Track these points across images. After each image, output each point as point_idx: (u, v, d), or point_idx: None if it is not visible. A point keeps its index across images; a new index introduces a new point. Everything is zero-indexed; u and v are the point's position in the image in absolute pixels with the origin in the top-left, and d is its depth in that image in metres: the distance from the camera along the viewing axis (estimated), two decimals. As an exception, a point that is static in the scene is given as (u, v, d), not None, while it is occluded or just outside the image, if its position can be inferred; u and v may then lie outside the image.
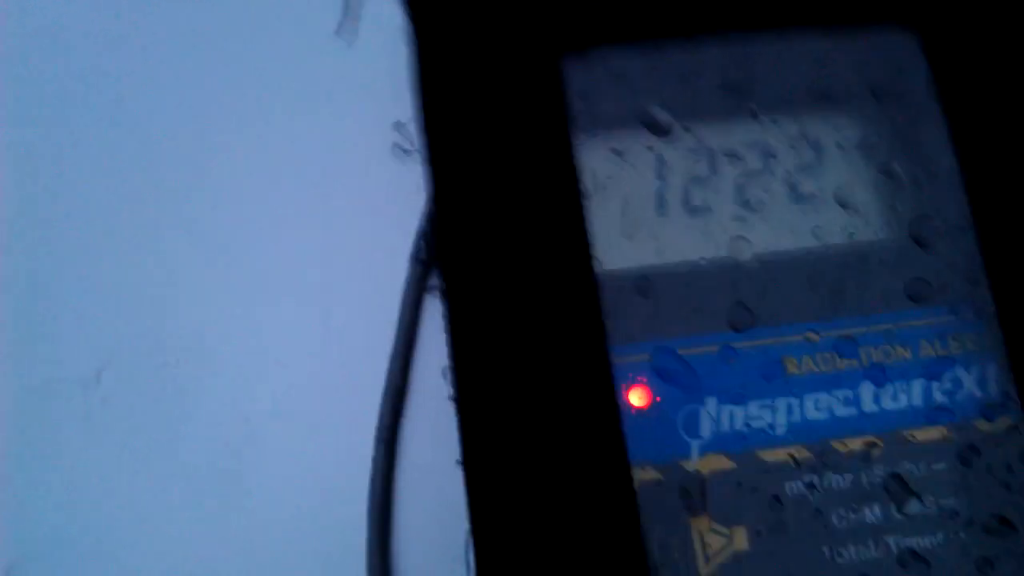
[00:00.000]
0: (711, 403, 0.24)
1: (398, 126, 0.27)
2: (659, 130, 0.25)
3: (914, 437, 0.24)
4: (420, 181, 0.24)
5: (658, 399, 0.24)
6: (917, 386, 0.24)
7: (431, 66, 0.24)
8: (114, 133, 0.34)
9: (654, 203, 0.25)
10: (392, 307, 0.31)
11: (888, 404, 0.24)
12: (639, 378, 0.24)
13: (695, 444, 0.23)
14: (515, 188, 0.24)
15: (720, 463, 0.23)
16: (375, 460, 0.31)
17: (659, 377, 0.24)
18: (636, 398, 0.23)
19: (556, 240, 0.24)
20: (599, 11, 0.25)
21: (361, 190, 0.30)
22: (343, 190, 0.31)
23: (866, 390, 0.24)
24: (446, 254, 0.23)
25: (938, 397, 0.24)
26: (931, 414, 0.24)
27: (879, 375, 0.24)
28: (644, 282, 0.24)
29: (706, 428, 0.24)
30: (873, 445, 0.24)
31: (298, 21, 0.33)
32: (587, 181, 0.24)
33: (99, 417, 0.31)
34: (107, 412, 0.31)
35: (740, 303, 0.24)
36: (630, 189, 0.25)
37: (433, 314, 0.33)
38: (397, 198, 0.28)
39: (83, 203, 0.33)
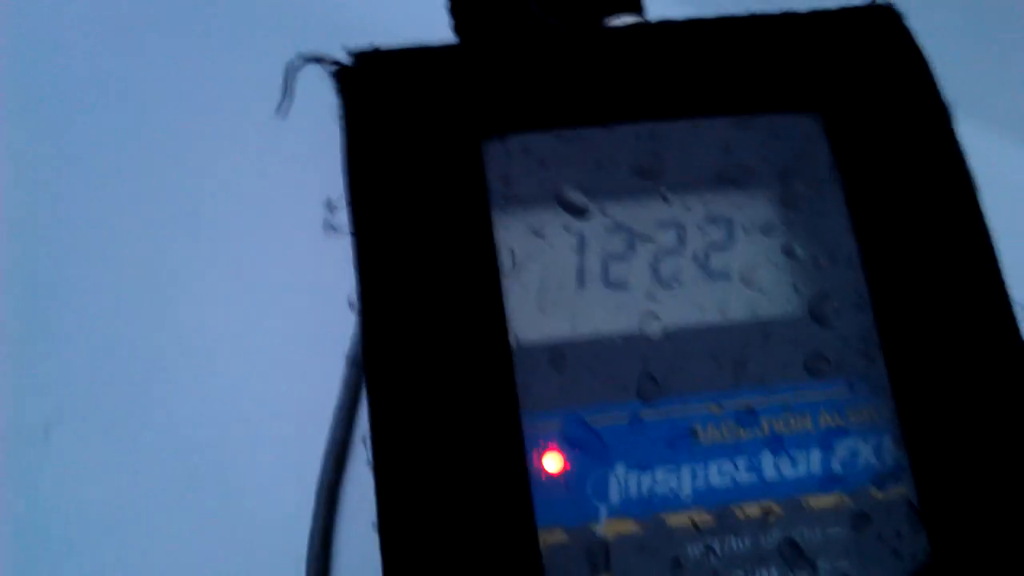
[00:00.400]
0: (619, 469, 0.25)
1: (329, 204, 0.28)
2: (575, 211, 0.26)
3: (810, 504, 0.25)
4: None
5: (569, 465, 0.25)
6: (814, 455, 0.25)
7: (359, 147, 0.26)
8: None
9: (568, 280, 0.26)
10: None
11: (786, 472, 0.25)
12: (551, 445, 0.25)
13: (603, 508, 0.25)
14: (436, 264, 0.25)
15: (626, 527, 0.25)
16: (315, 515, 0.33)
17: (569, 444, 0.25)
18: (548, 464, 0.25)
19: (473, 313, 0.25)
20: (518, 99, 0.27)
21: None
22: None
23: (766, 458, 0.25)
24: (369, 325, 0.25)
25: (834, 466, 0.25)
26: (827, 482, 0.25)
27: (777, 444, 0.25)
28: (557, 354, 0.26)
29: (614, 493, 0.25)
30: (770, 511, 0.25)
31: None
32: (506, 258, 0.26)
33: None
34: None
35: (648, 375, 0.26)
36: (546, 266, 0.26)
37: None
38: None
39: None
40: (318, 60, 0.28)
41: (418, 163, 0.26)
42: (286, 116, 0.29)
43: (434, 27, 0.31)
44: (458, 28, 0.33)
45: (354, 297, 0.25)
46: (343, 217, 0.25)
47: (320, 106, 0.27)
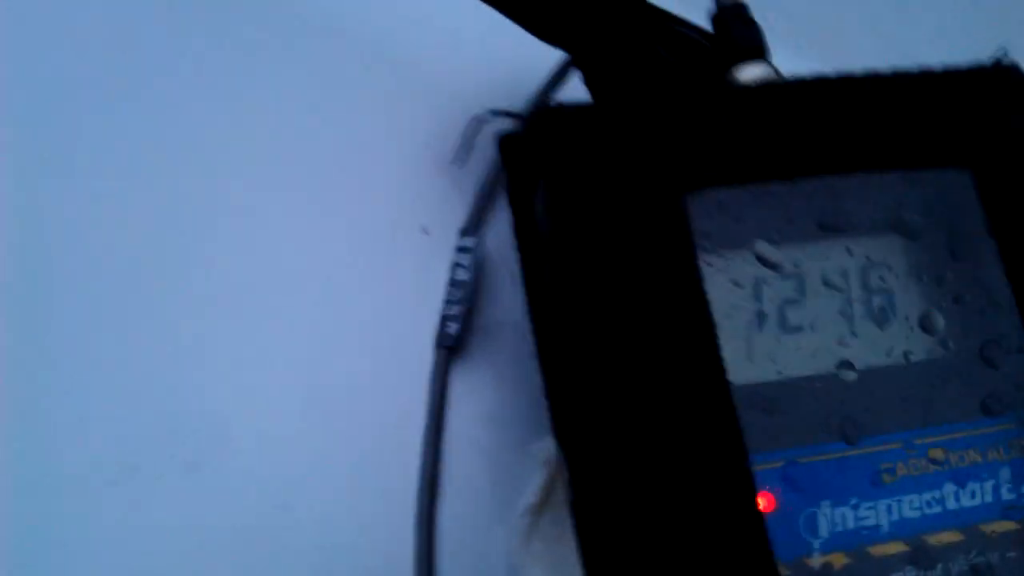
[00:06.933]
0: (826, 506, 0.27)
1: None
2: (769, 264, 0.28)
3: (991, 531, 0.27)
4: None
5: (782, 503, 0.26)
6: (990, 486, 0.28)
7: (558, 203, 0.27)
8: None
9: (768, 326, 0.28)
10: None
11: (967, 502, 0.28)
12: (769, 485, 0.26)
13: (815, 543, 0.26)
14: (652, 315, 0.26)
15: (838, 560, 0.26)
16: (417, 544, 0.33)
17: (784, 483, 0.27)
18: (765, 503, 0.26)
19: (693, 361, 0.26)
20: (713, 155, 0.28)
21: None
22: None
23: (949, 491, 0.28)
24: (585, 382, 0.26)
25: (1009, 495, 0.28)
26: (1003, 510, 0.28)
27: (960, 477, 0.28)
28: (768, 398, 0.27)
29: (823, 528, 0.27)
30: (957, 538, 0.27)
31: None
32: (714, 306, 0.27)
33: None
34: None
35: (848, 416, 0.27)
36: (748, 314, 0.28)
37: (458, 396, 0.35)
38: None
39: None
40: (506, 114, 0.28)
41: (622, 218, 0.27)
42: (463, 166, 0.30)
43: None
44: (590, 84, 0.34)
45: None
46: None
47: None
